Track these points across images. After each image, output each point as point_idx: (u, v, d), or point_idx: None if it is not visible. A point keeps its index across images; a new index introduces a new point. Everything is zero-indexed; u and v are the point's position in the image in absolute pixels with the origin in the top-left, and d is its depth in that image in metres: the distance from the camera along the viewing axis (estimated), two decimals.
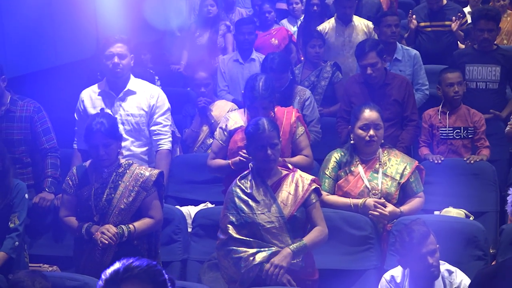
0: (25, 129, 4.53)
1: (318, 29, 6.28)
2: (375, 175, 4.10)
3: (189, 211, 4.71)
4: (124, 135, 4.42)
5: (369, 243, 4.02)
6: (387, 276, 3.51)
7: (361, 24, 6.37)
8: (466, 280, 3.37)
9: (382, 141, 4.18)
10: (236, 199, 3.62)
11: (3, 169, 4.01)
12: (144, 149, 4.61)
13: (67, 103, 5.11)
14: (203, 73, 5.57)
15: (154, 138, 4.61)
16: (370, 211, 4.01)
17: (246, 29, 6.35)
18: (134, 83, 4.63)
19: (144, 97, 4.60)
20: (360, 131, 4.11)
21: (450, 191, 4.61)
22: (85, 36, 6.42)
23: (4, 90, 4.50)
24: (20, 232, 4.02)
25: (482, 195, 4.70)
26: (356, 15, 6.66)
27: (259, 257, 3.51)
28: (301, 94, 5.23)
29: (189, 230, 4.43)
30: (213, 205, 4.80)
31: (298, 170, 3.75)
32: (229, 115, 4.45)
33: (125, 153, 4.36)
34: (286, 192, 3.62)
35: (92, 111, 4.51)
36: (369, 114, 4.12)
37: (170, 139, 4.67)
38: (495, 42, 5.79)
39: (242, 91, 4.40)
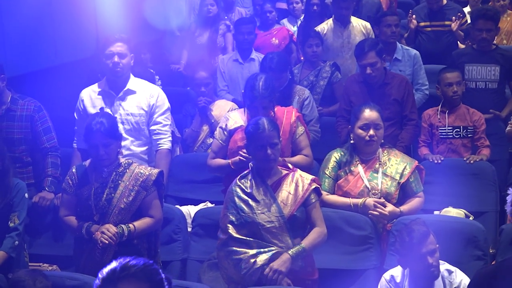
0: (25, 128, 4.54)
1: (316, 30, 6.27)
2: (375, 175, 4.10)
3: (189, 210, 4.71)
4: (124, 135, 4.42)
5: (369, 242, 4.02)
6: (386, 275, 3.51)
7: (359, 25, 6.37)
8: (466, 280, 3.37)
9: (382, 141, 4.18)
10: (236, 199, 3.62)
11: (3, 168, 4.01)
12: (144, 148, 4.61)
13: (67, 102, 5.11)
14: (203, 73, 5.57)
15: (154, 138, 4.61)
16: (370, 211, 4.01)
17: (245, 28, 6.35)
18: (134, 82, 4.63)
19: (144, 96, 4.59)
20: (360, 131, 4.11)
21: (450, 191, 4.61)
22: (85, 35, 6.42)
23: (5, 89, 4.51)
24: (20, 231, 4.02)
25: (482, 195, 4.70)
26: (356, 15, 6.67)
27: (261, 260, 3.51)
28: (300, 94, 5.23)
29: (189, 229, 4.43)
30: (213, 205, 4.80)
31: (298, 170, 3.76)
32: (229, 115, 4.45)
33: (125, 152, 4.36)
34: (286, 192, 3.62)
35: (92, 110, 4.51)
36: (369, 114, 4.12)
37: (170, 138, 4.67)
38: (495, 42, 5.79)
39: (242, 91, 4.41)
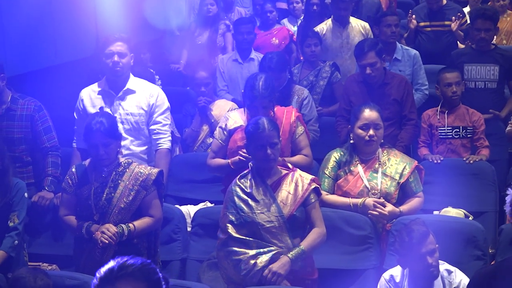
0: (25, 127, 4.53)
1: (315, 30, 6.27)
2: (375, 174, 4.10)
3: (189, 210, 4.71)
4: (124, 134, 4.41)
5: (369, 242, 4.02)
6: (386, 275, 3.51)
7: (358, 26, 6.38)
8: (466, 280, 3.37)
9: (382, 141, 4.18)
10: (236, 199, 3.62)
11: (3, 168, 4.01)
12: (143, 148, 4.60)
13: (67, 101, 5.11)
14: (203, 73, 5.57)
15: (154, 137, 4.61)
16: (369, 211, 4.01)
17: (244, 28, 6.35)
18: (134, 82, 4.63)
19: (144, 96, 4.59)
20: (360, 131, 4.11)
21: (450, 191, 4.61)
22: (85, 34, 6.42)
23: (5, 88, 4.50)
24: (20, 231, 4.02)
25: (481, 195, 4.70)
26: (356, 15, 6.67)
27: (261, 262, 3.51)
28: (299, 94, 5.24)
29: (189, 229, 4.43)
30: (212, 205, 4.80)
31: (298, 170, 3.76)
32: (229, 115, 4.45)
33: (125, 152, 4.36)
34: (286, 192, 3.62)
35: (91, 110, 4.51)
36: (369, 114, 4.13)
37: (170, 138, 4.67)
38: (495, 42, 5.79)
39: (242, 91, 4.41)
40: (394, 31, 5.95)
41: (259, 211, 3.57)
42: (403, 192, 4.11)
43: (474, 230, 3.92)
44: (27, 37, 5.56)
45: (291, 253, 3.53)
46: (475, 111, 5.12)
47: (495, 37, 6.69)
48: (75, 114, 4.66)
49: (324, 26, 6.40)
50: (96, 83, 4.66)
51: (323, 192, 4.02)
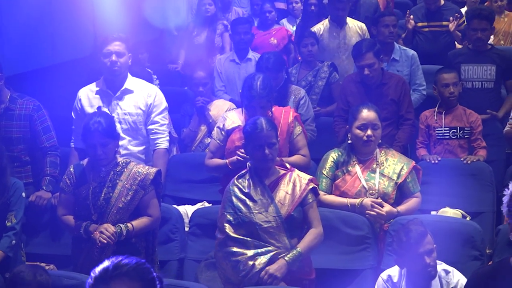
0: (24, 127, 4.52)
1: (312, 30, 6.27)
2: (372, 175, 4.10)
3: (186, 210, 4.71)
4: (121, 134, 4.40)
5: (366, 243, 4.03)
6: (384, 275, 3.51)
7: (355, 26, 6.37)
8: (463, 280, 3.37)
9: (380, 141, 4.19)
10: (234, 198, 3.63)
11: (0, 167, 4.00)
12: (141, 148, 4.60)
13: (65, 101, 5.10)
14: (201, 73, 5.57)
15: (152, 137, 4.61)
16: (367, 211, 4.02)
17: (241, 28, 6.35)
18: (132, 82, 4.62)
19: (142, 96, 4.59)
20: (358, 131, 4.12)
21: (447, 192, 4.61)
22: (83, 34, 6.42)
23: (3, 87, 4.49)
24: (17, 230, 4.02)
25: (479, 196, 4.71)
26: (353, 15, 6.67)
27: (259, 264, 3.51)
28: (296, 93, 5.25)
29: (186, 229, 4.43)
30: (210, 205, 4.80)
31: (296, 170, 3.76)
32: (227, 115, 4.45)
33: (122, 152, 4.35)
34: (284, 192, 3.62)
35: (89, 109, 4.50)
36: (367, 114, 4.13)
37: (168, 138, 4.66)
38: (493, 44, 5.80)
39: (239, 91, 4.41)
40: (392, 32, 5.96)
41: (257, 211, 3.57)
42: (401, 192, 4.12)
43: (472, 230, 3.93)
44: (25, 36, 5.56)
45: (288, 256, 3.53)
46: (472, 112, 5.12)
47: (492, 37, 6.72)
48: (72, 114, 4.66)
49: (321, 27, 6.40)
50: (94, 83, 4.66)
51: (321, 192, 4.02)
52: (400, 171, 4.10)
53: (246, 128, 3.72)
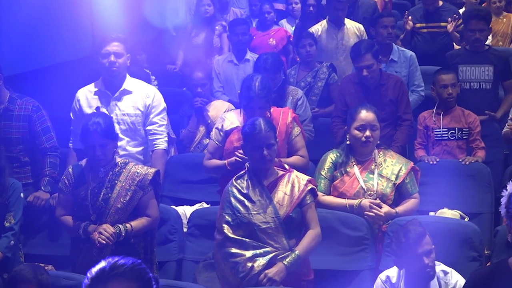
0: (23, 128, 4.52)
1: (310, 31, 6.27)
2: (371, 176, 4.10)
3: (185, 211, 4.71)
4: (120, 135, 4.40)
5: (364, 243, 4.03)
6: (382, 276, 3.51)
7: (353, 27, 6.38)
8: (462, 281, 3.37)
9: (378, 142, 4.19)
10: (232, 199, 3.63)
11: None
12: (139, 148, 4.60)
13: (64, 101, 5.10)
14: (199, 73, 5.57)
15: (150, 138, 4.61)
16: (365, 212, 4.01)
17: (239, 29, 6.35)
18: (130, 82, 4.62)
19: (140, 96, 4.59)
20: (356, 132, 4.12)
21: (445, 192, 4.62)
22: (82, 34, 6.42)
23: (3, 88, 4.49)
24: (16, 231, 4.02)
25: (477, 197, 4.71)
26: (352, 16, 6.67)
27: (258, 266, 3.52)
28: (294, 94, 5.25)
29: (185, 230, 4.43)
30: (208, 205, 4.80)
31: (294, 171, 3.76)
32: (225, 116, 4.45)
33: (121, 152, 4.35)
34: (282, 193, 3.63)
35: (88, 110, 4.50)
36: (365, 115, 4.13)
37: (166, 138, 4.66)
38: (492, 45, 5.81)
39: (238, 92, 4.41)
40: (390, 32, 5.96)
41: (255, 212, 3.58)
42: (399, 193, 4.12)
43: (470, 231, 3.93)
44: (24, 36, 5.56)
45: (286, 260, 3.53)
46: (470, 113, 5.13)
47: (490, 38, 6.72)
48: (71, 115, 4.65)
49: (319, 27, 6.40)
50: (93, 84, 4.65)
51: (319, 193, 4.02)
52: (399, 172, 4.10)
53: (245, 129, 3.72)
